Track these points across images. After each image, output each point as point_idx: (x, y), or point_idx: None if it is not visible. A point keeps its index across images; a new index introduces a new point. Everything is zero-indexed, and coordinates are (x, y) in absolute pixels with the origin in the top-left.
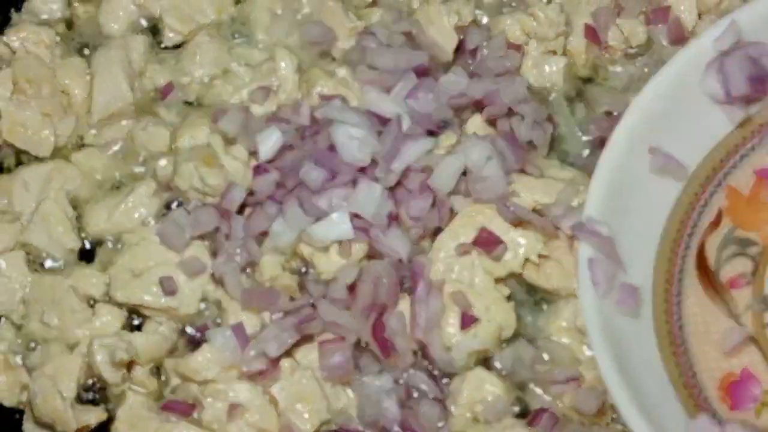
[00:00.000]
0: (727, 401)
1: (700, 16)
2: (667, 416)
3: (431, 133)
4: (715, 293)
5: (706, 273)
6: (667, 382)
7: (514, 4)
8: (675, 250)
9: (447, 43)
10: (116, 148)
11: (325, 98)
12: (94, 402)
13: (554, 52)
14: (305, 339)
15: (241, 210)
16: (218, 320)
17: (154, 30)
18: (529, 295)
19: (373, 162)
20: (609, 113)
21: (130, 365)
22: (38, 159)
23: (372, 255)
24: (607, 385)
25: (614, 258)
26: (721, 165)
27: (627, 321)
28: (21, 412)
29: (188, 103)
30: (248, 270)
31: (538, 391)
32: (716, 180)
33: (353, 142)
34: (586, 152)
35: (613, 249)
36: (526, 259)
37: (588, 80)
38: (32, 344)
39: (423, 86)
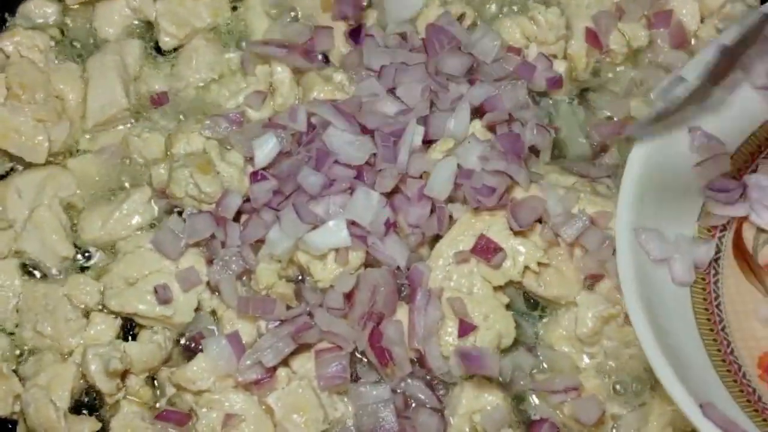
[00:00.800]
0: (766, 380)
1: (702, 20)
2: (698, 376)
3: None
4: (753, 275)
5: (743, 255)
6: (704, 352)
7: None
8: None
9: None
10: (111, 154)
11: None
12: (88, 412)
13: (555, 56)
14: (302, 348)
15: (237, 217)
16: (214, 329)
17: (150, 34)
18: (529, 304)
19: (370, 168)
20: (610, 118)
21: (124, 375)
22: (32, 165)
23: (369, 263)
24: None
25: None
26: (759, 150)
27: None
28: (14, 423)
29: (184, 108)
30: (244, 278)
31: (538, 400)
32: (755, 164)
33: (349, 143)
34: (587, 158)
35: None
36: (526, 267)
37: (589, 85)
38: (25, 353)
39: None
